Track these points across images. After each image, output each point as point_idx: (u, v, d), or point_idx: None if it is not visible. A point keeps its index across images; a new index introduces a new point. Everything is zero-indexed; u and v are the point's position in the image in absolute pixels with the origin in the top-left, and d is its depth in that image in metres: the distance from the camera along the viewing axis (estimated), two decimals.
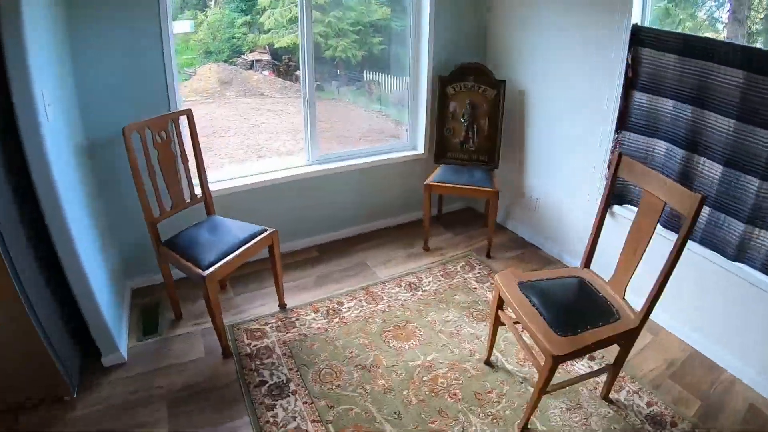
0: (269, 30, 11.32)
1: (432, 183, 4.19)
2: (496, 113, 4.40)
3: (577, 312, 2.48)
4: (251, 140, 7.55)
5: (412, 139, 4.97)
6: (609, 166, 3.03)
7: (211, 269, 2.96)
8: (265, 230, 3.35)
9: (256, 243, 3.25)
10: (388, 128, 5.90)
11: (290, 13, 11.06)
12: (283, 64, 12.39)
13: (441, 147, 4.67)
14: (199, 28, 12.68)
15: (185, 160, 3.42)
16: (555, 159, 4.22)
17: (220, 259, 3.05)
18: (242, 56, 12.59)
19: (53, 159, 2.41)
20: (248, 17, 13.71)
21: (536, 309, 2.49)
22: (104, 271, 3.18)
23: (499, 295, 2.77)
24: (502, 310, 2.89)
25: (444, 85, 4.49)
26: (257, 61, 12.58)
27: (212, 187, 3.77)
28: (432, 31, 4.43)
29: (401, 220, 5.11)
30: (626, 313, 2.48)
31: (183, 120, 3.43)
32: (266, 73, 12.41)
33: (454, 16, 4.49)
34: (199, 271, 2.95)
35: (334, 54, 8.34)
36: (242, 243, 3.21)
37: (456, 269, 4.21)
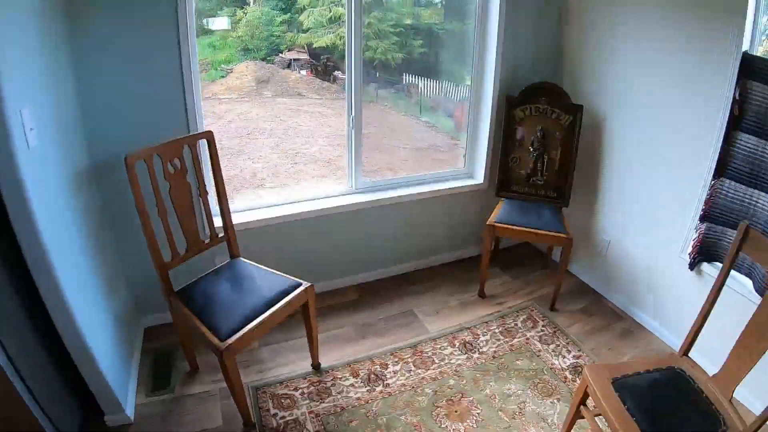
0: (308, 29, 10.95)
1: (495, 224, 3.65)
2: (571, 143, 3.79)
3: (677, 418, 2.04)
4: (287, 143, 6.93)
5: (470, 165, 4.41)
6: (728, 241, 2.40)
7: (231, 340, 2.46)
8: (299, 285, 2.83)
9: (287, 303, 2.74)
10: (430, 137, 5.53)
11: (330, 12, 10.69)
12: (321, 64, 11.96)
13: (504, 179, 4.08)
14: (237, 25, 12.39)
15: (204, 194, 2.95)
16: (634, 200, 3.64)
17: (243, 326, 2.55)
18: (280, 55, 12.22)
19: (35, 194, 1.95)
20: (287, 15, 13.43)
21: (630, 414, 2.06)
22: (109, 317, 2.78)
23: (585, 389, 2.33)
24: (585, 405, 2.42)
25: (512, 107, 3.90)
26: (295, 60, 12.14)
27: (238, 219, 3.45)
28: (500, 42, 3.85)
29: (453, 256, 4.58)
30: (734, 423, 2.00)
31: (203, 144, 3.03)
32: (304, 72, 11.92)
33: (526, 27, 3.89)
34: (216, 341, 2.48)
35: (373, 56, 8.61)
36: (270, 303, 2.69)
37: (516, 324, 3.66)
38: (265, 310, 2.61)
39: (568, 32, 3.96)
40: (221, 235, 3.03)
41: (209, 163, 2.92)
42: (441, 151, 5.21)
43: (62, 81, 2.52)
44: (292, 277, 2.84)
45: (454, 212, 4.31)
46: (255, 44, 12.69)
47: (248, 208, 3.63)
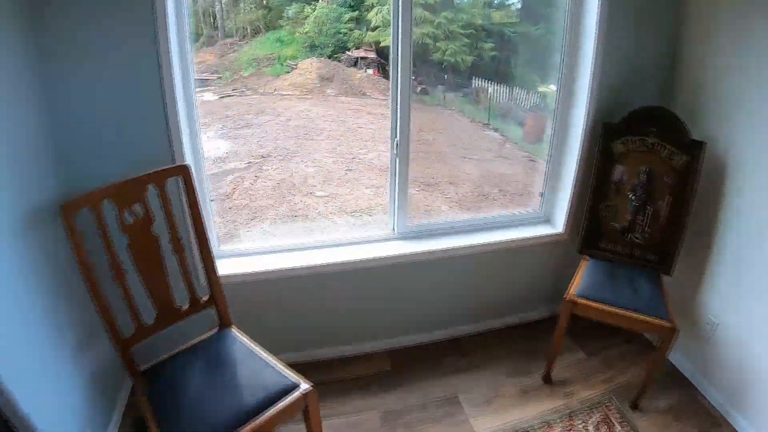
0: (376, 27, 10.57)
1: (577, 299, 2.77)
2: (684, 191, 2.85)
3: None
4: (344, 147, 6.41)
5: (547, 208, 3.51)
6: None
7: None
8: (296, 387, 2.08)
9: (278, 412, 1.99)
10: (497, 148, 5.32)
11: None
12: (388, 63, 11.45)
13: (592, 231, 3.17)
14: (305, 21, 12.02)
15: (179, 249, 2.26)
16: (760, 276, 2.64)
17: None
18: (347, 53, 12.01)
19: None
20: (355, 13, 13.21)
21: None
22: (76, 379, 2.22)
23: None
24: None
25: (610, 139, 2.98)
26: (362, 58, 11.73)
27: (240, 268, 2.81)
28: (598, 53, 2.86)
29: (516, 319, 3.70)
30: None
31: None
32: (371, 71, 11.42)
33: (630, 35, 2.91)
34: None
35: (442, 57, 7.95)
36: (256, 410, 1.96)
37: (587, 430, 2.77)
38: (250, 420, 1.90)
39: (685, 34, 2.96)
40: (206, 298, 2.38)
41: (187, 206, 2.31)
42: (508, 162, 4.92)
43: (24, 100, 2.01)
44: (291, 374, 2.11)
45: (522, 267, 3.45)
46: (322, 41, 12.33)
47: (255, 251, 2.96)
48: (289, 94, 10.35)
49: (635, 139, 2.92)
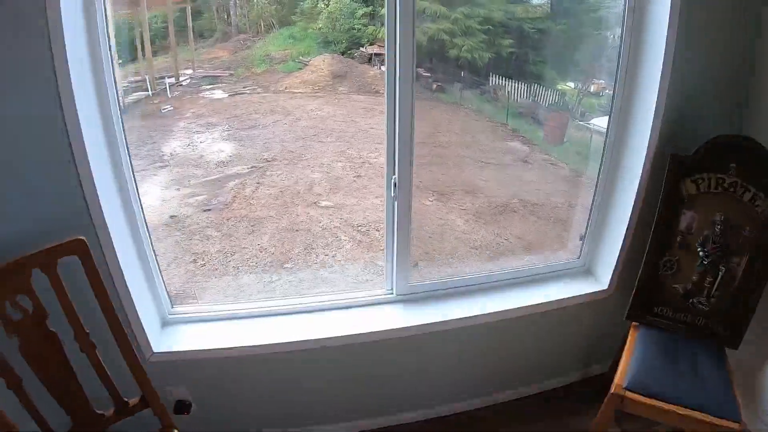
0: None
1: (627, 393, 2.06)
2: None
3: None
4: (354, 149, 5.97)
5: (589, 256, 2.64)
6: None
7: None
8: None
9: None
10: (516, 149, 5.01)
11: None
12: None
13: (647, 291, 2.33)
14: (319, 16, 11.61)
15: (88, 347, 1.66)
16: None
17: None
18: (361, 49, 11.66)
19: None
20: (369, 8, 12.99)
21: None
22: None
23: None
24: None
25: (679, 176, 2.18)
26: (377, 55, 11.30)
27: (204, 342, 2.08)
28: (668, 67, 2.05)
29: (542, 386, 2.83)
30: None
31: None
32: (384, 68, 10.92)
33: (704, 39, 2.12)
34: None
35: (459, 54, 7.70)
36: None
37: None
38: None
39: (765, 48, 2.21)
40: (136, 400, 1.80)
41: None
42: (529, 167, 4.61)
43: None
44: None
45: (553, 332, 2.63)
46: (335, 37, 11.91)
47: (219, 315, 2.20)
48: (300, 92, 9.91)
49: (711, 177, 2.15)
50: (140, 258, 1.93)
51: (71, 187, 1.60)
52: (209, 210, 4.46)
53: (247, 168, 5.44)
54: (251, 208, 4.41)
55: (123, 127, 1.78)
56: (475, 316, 2.29)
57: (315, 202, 4.43)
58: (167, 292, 2.13)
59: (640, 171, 2.25)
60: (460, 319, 2.28)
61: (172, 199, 4.82)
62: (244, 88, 10.92)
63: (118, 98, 1.73)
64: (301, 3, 14.04)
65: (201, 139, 7.01)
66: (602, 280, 2.54)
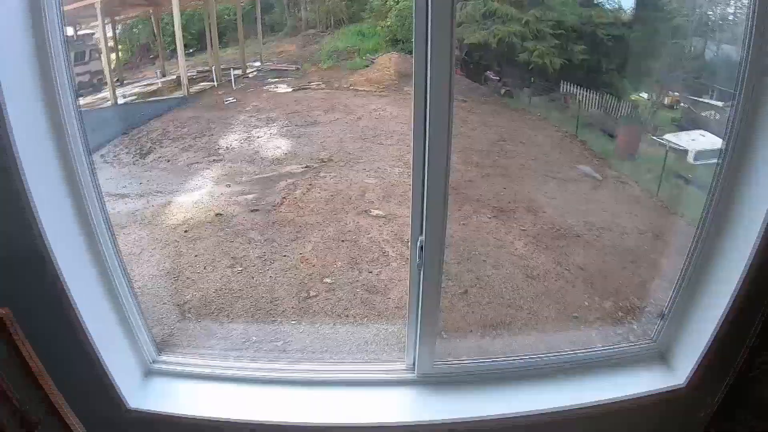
0: (460, 23, 9.85)
1: None
2: None
3: None
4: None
5: (665, 339, 1.80)
6: None
7: None
8: None
9: None
10: (583, 161, 4.81)
11: (484, 6, 9.41)
12: (473, 62, 10.62)
13: (734, 395, 1.71)
14: (388, 13, 11.44)
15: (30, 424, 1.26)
16: None
17: None
18: None
19: None
20: None
21: None
22: None
23: None
24: None
25: None
26: None
27: (182, 405, 1.60)
28: None
29: None
30: None
31: None
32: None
33: None
34: None
35: (529, 59, 7.93)
36: None
37: None
38: None
39: None
40: None
41: None
42: (596, 184, 4.37)
43: None
44: None
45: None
46: (404, 35, 11.69)
47: (208, 373, 1.69)
48: (364, 90, 9.68)
49: None
50: (111, 299, 1.51)
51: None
52: (256, 210, 4.25)
53: (301, 167, 5.20)
54: (299, 212, 4.16)
55: (83, 137, 1.35)
56: (518, 415, 1.67)
57: (366, 210, 4.13)
58: (151, 339, 1.65)
59: (758, 233, 1.50)
60: (500, 417, 1.68)
61: (221, 196, 4.66)
62: (308, 83, 10.79)
63: (73, 104, 1.27)
64: (372, 0, 13.93)
65: (259, 133, 6.97)
66: (678, 372, 1.83)
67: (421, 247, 1.46)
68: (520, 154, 6.01)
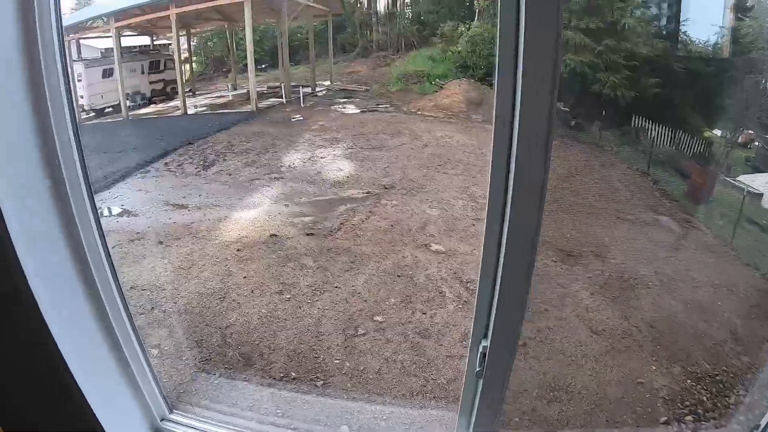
0: None
1: None
2: None
3: None
4: (478, 187, 5.44)
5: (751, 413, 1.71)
6: None
7: None
8: None
9: None
10: (652, 203, 4.62)
11: None
12: None
13: None
14: (459, 39, 11.34)
15: None
16: None
17: None
18: None
19: None
20: None
21: None
22: None
23: None
24: None
25: None
26: None
27: None
28: None
29: None
30: None
31: None
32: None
33: None
34: None
35: (601, 90, 7.74)
36: None
37: None
38: None
39: None
40: None
41: None
42: (668, 229, 4.11)
43: None
44: None
45: None
46: (474, 61, 11.60)
47: None
48: (431, 116, 9.51)
49: None
50: (113, 349, 1.24)
51: None
52: (312, 234, 4.06)
53: (363, 193, 4.99)
54: (356, 240, 3.94)
55: (79, 153, 1.08)
56: None
57: (426, 245, 3.87)
58: (160, 392, 1.36)
59: None
60: None
61: (278, 215, 4.52)
62: (376, 105, 10.72)
63: (72, 119, 1.03)
64: (443, 25, 13.91)
65: (323, 154, 6.90)
66: None
67: (484, 354, 1.05)
68: (590, 191, 5.68)
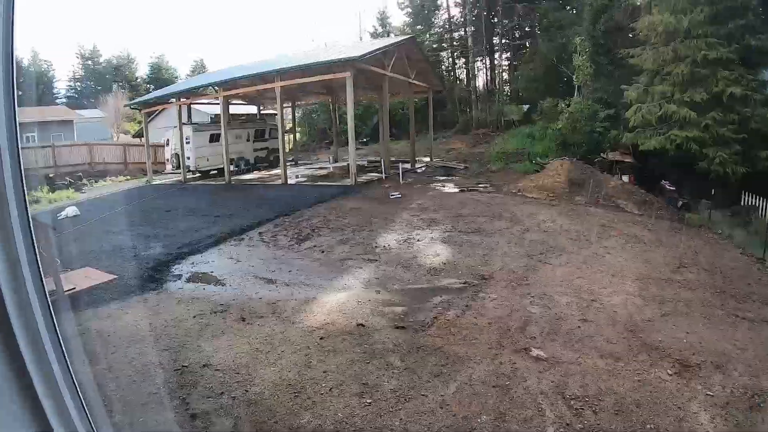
0: (634, 128, 9.12)
1: None
2: None
3: None
4: (584, 280, 4.95)
5: None
6: None
7: None
8: None
9: None
10: None
11: (660, 110, 8.39)
12: (648, 170, 9.62)
13: None
14: (559, 116, 10.85)
15: None
16: None
17: None
18: (601, 155, 10.60)
19: None
20: (612, 111, 12.05)
21: None
22: None
23: None
24: None
25: None
26: (617, 162, 10.32)
27: None
28: None
29: None
30: None
31: None
32: (626, 178, 9.78)
33: None
34: None
35: (709, 167, 7.44)
36: None
37: None
38: None
39: None
40: None
41: None
42: None
43: None
44: None
45: None
46: (575, 139, 11.15)
47: None
48: (532, 198, 9.05)
49: None
50: None
51: None
52: (402, 328, 3.72)
53: (459, 283, 4.60)
54: (450, 338, 3.54)
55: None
56: None
57: (525, 349, 3.38)
58: None
59: None
60: None
61: (368, 302, 4.22)
62: (476, 184, 10.39)
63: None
64: (542, 102, 13.47)
65: (419, 236, 6.65)
66: None
67: None
68: (703, 284, 5.12)
